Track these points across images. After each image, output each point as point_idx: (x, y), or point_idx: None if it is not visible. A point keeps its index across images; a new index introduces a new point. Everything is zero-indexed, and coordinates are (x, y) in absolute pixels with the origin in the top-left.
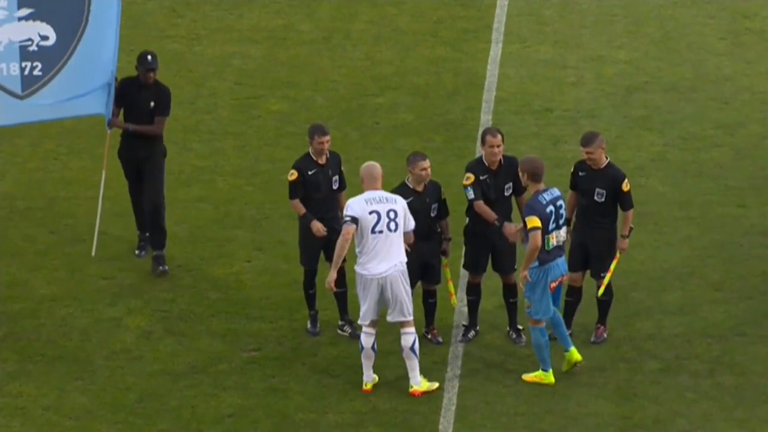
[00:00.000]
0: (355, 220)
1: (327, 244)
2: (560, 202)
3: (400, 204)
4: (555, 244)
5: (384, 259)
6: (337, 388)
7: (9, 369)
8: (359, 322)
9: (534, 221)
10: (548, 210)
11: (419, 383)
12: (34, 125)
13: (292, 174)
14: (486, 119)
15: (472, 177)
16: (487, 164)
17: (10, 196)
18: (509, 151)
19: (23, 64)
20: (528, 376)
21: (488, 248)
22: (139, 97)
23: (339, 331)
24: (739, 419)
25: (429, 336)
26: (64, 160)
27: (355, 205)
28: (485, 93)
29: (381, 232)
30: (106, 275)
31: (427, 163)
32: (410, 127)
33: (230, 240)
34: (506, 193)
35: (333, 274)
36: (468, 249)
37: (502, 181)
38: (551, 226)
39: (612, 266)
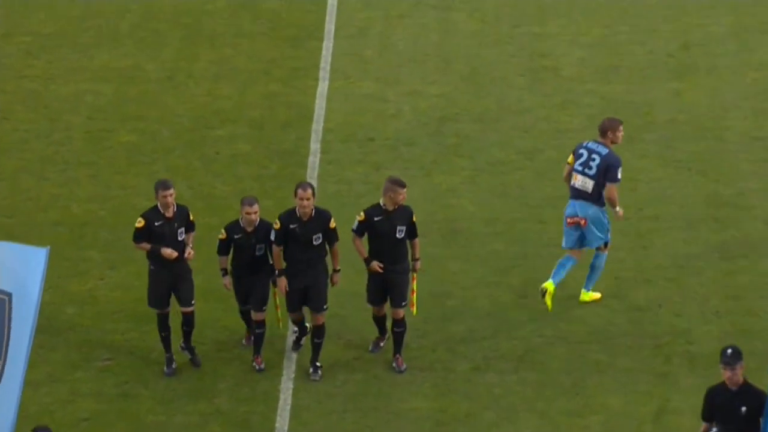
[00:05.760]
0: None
1: (174, 287)
2: (595, 156)
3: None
4: (574, 184)
5: None
6: (185, 392)
7: None
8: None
9: (570, 157)
10: (580, 151)
11: None
12: None
13: (139, 221)
14: (315, 147)
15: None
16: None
17: None
18: (335, 177)
19: None
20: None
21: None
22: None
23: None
24: (541, 411)
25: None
26: None
27: None
28: (314, 124)
29: None
30: None
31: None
32: (248, 156)
33: (85, 260)
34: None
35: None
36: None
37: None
38: (577, 166)
39: (413, 286)
